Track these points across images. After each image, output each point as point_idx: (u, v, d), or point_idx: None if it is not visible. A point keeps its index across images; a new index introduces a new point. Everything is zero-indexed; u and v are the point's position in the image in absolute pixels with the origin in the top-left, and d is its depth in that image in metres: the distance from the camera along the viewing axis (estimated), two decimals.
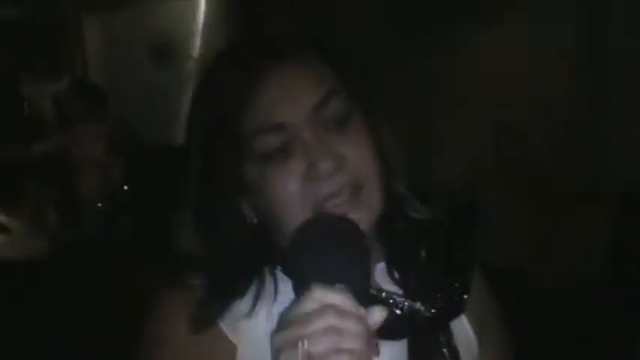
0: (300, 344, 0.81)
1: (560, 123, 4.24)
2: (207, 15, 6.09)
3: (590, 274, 3.72)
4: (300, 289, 0.87)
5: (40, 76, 6.53)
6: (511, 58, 4.65)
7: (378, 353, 0.85)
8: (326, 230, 0.93)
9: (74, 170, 4.33)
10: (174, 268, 1.05)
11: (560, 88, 4.47)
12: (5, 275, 3.51)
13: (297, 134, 0.98)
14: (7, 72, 7.08)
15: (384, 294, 1.02)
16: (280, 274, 1.03)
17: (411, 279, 1.05)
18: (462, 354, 1.07)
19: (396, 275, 1.06)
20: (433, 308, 1.03)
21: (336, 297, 0.83)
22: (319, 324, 0.82)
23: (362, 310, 0.85)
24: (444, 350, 1.05)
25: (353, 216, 0.96)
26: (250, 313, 1.00)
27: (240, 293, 1.01)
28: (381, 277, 1.06)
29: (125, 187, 4.32)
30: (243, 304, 1.00)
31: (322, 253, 0.89)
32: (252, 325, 1.00)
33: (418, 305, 1.02)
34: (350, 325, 0.82)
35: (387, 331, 0.85)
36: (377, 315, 0.86)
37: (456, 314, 1.07)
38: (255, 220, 1.03)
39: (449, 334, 1.06)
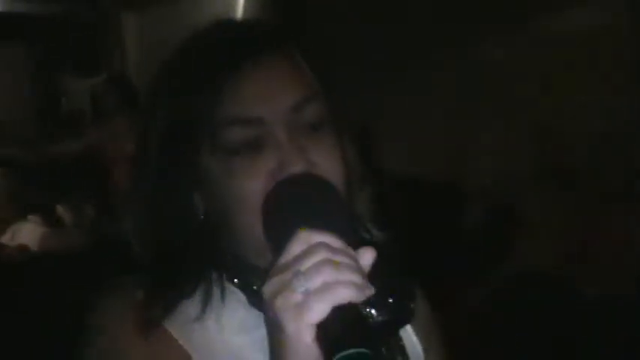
0: (295, 281, 0.76)
1: (599, 126, 4.19)
2: (246, 10, 6.10)
3: (630, 279, 3.66)
4: (283, 243, 0.81)
5: (79, 72, 6.60)
6: (551, 61, 4.60)
7: (373, 290, 0.79)
8: (302, 181, 0.90)
9: (109, 165, 4.36)
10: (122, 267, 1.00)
11: (603, 93, 4.42)
12: (52, 265, 3.52)
13: (271, 131, 0.93)
14: (47, 68, 7.17)
15: None
16: (228, 284, 0.98)
17: None
18: None
19: None
20: (386, 315, 0.99)
21: (323, 236, 0.79)
22: (313, 259, 0.76)
23: (351, 250, 0.81)
24: (399, 358, 1.02)
25: None
26: (199, 317, 0.94)
27: (186, 293, 0.95)
28: None
29: None
30: (191, 308, 0.95)
31: (302, 200, 0.86)
32: (203, 331, 0.95)
33: (372, 312, 0.97)
34: (344, 259, 0.78)
35: (344, 339, 0.76)
36: (367, 254, 0.81)
37: (406, 320, 1.04)
38: (202, 217, 0.97)
39: (400, 341, 1.04)
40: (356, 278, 0.77)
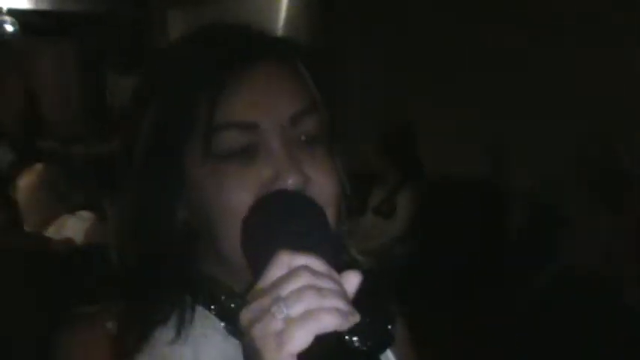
0: (276, 308, 0.69)
1: None
2: (290, 11, 6.11)
3: None
4: (262, 264, 0.74)
5: (125, 69, 6.68)
6: (600, 68, 4.54)
7: (358, 317, 0.72)
8: (286, 198, 0.84)
9: None
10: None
11: None
12: (97, 257, 3.56)
13: (265, 139, 0.87)
14: (94, 65, 7.28)
15: None
16: (204, 310, 0.91)
17: None
18: None
19: None
20: (368, 342, 0.92)
21: (306, 258, 0.72)
22: (295, 284, 0.70)
23: (335, 273, 0.74)
24: None
25: None
26: (174, 349, 0.88)
27: (159, 320, 0.88)
28: None
29: None
30: (165, 338, 0.88)
31: (285, 218, 0.80)
32: None
33: (354, 339, 0.89)
34: (328, 284, 0.71)
35: (314, 358, 0.70)
36: (352, 278, 0.74)
37: (387, 345, 0.98)
38: (184, 229, 0.90)
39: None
40: (340, 305, 0.71)
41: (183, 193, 0.90)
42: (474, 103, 5.11)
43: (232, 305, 0.91)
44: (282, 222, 0.80)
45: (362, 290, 0.77)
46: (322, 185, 0.88)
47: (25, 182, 3.51)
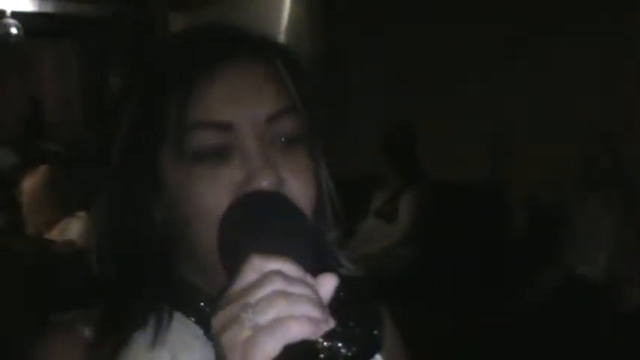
0: (244, 316, 0.67)
1: None
2: (292, 12, 6.11)
3: None
4: (236, 269, 0.73)
5: (126, 71, 6.68)
6: (605, 67, 4.53)
7: (333, 323, 0.70)
8: (262, 199, 0.82)
9: None
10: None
11: None
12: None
13: (240, 139, 0.85)
14: (95, 67, 7.29)
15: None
16: (183, 317, 0.90)
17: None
18: None
19: None
20: (353, 347, 0.91)
21: (279, 263, 0.70)
22: (264, 290, 0.68)
23: (310, 278, 0.72)
24: None
25: None
26: (151, 353, 0.86)
27: (137, 325, 0.86)
28: None
29: None
30: (143, 348, 0.86)
31: (259, 220, 0.78)
32: None
33: (339, 346, 0.90)
34: (299, 290, 0.69)
35: None
36: (328, 282, 0.72)
37: (375, 350, 0.97)
38: (160, 232, 0.89)
39: None
40: (312, 312, 0.68)
41: (158, 194, 0.87)
42: (475, 104, 5.10)
43: (210, 311, 0.87)
44: (256, 224, 0.77)
45: (347, 295, 0.75)
46: (297, 188, 0.86)
47: (29, 184, 3.52)
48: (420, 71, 5.45)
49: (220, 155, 0.85)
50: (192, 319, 0.90)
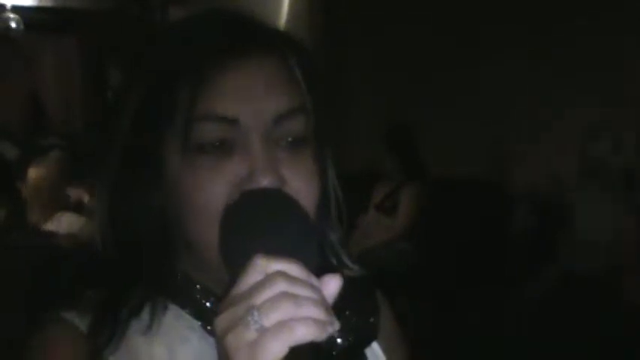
0: (249, 318, 0.67)
1: None
2: (292, 6, 6.10)
3: None
4: (238, 269, 0.72)
5: (124, 64, 6.67)
6: (606, 57, 4.53)
7: (338, 325, 0.69)
8: (266, 197, 0.81)
9: None
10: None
11: None
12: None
13: (245, 136, 0.84)
14: (96, 62, 7.28)
15: None
16: (178, 310, 0.90)
17: None
18: None
19: None
20: (350, 336, 0.92)
21: (283, 264, 0.70)
22: (269, 292, 0.67)
23: (314, 279, 0.71)
24: None
25: None
26: (148, 346, 0.86)
27: (132, 314, 0.86)
28: None
29: None
30: (139, 342, 0.86)
31: (263, 220, 0.77)
32: None
33: (335, 335, 0.88)
34: (304, 292, 0.68)
35: None
36: (332, 283, 0.72)
37: (371, 339, 0.97)
38: (160, 223, 0.88)
39: (365, 358, 0.96)
40: (318, 314, 0.68)
41: (160, 184, 0.87)
42: (476, 102, 5.11)
43: (207, 304, 0.89)
44: (259, 223, 0.77)
45: (343, 288, 0.74)
46: (299, 189, 0.85)
47: (31, 177, 3.52)
48: (421, 69, 5.46)
49: (224, 149, 0.84)
50: (189, 311, 0.90)
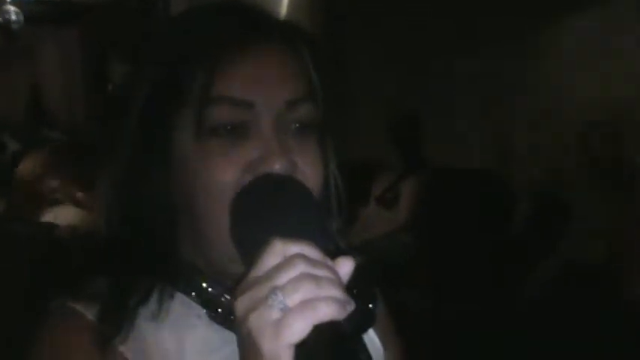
0: (272, 298, 0.69)
1: None
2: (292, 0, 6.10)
3: None
4: (253, 252, 0.74)
5: (127, 58, 6.67)
6: (602, 58, 4.53)
7: (354, 305, 0.72)
8: (281, 183, 0.83)
9: None
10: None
11: None
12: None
13: (259, 120, 0.86)
14: (97, 54, 7.28)
15: None
16: (185, 297, 0.91)
17: None
18: None
19: None
20: (353, 322, 0.95)
21: (301, 247, 0.72)
22: (291, 272, 0.69)
23: (329, 261, 0.74)
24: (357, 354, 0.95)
25: None
26: (155, 334, 0.87)
27: (140, 300, 0.87)
28: None
29: None
30: (147, 330, 0.87)
31: (279, 204, 0.79)
32: (163, 355, 0.87)
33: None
34: (323, 272, 0.71)
35: (312, 348, 0.70)
36: (346, 265, 0.74)
37: (371, 324, 0.97)
38: (169, 205, 0.89)
39: (363, 345, 0.97)
40: (337, 293, 0.70)
41: (170, 167, 0.88)
42: (478, 94, 5.11)
43: (213, 291, 0.91)
44: (275, 208, 0.79)
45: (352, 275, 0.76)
46: (307, 174, 0.88)
47: (26, 168, 3.52)
48: (424, 61, 5.45)
49: (237, 132, 0.86)
50: (195, 299, 0.91)
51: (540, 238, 4.05)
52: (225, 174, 0.85)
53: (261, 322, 0.69)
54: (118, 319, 0.86)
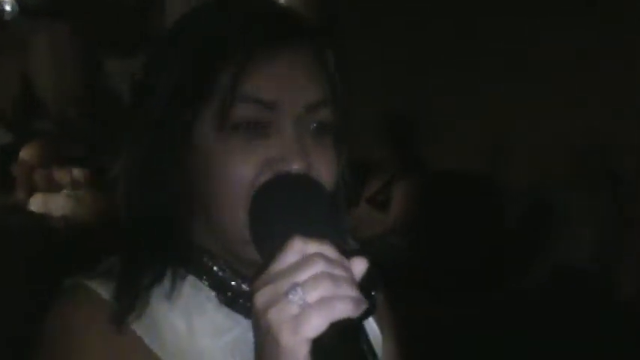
0: (293, 294, 0.72)
1: None
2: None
3: None
4: (272, 249, 0.77)
5: (120, 53, 6.66)
6: (597, 66, 4.57)
7: (367, 304, 0.75)
8: (300, 183, 0.86)
9: None
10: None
11: None
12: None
13: (280, 120, 0.89)
14: (90, 48, 7.26)
15: None
16: (196, 280, 0.93)
17: None
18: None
19: None
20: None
21: (320, 246, 0.75)
22: (311, 270, 0.73)
23: (345, 260, 0.77)
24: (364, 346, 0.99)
25: None
26: (167, 314, 0.90)
27: (154, 279, 0.90)
28: None
29: None
30: (159, 310, 0.90)
31: (299, 204, 0.82)
32: (173, 334, 0.90)
33: None
34: (341, 272, 0.74)
35: (341, 355, 0.74)
36: (360, 265, 0.77)
37: (373, 311, 0.98)
38: (182, 190, 0.91)
39: (365, 332, 1.02)
40: (353, 292, 0.74)
41: (190, 159, 0.90)
42: (474, 98, 5.12)
43: (223, 275, 0.93)
44: (295, 206, 0.82)
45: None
46: (322, 174, 0.90)
47: (20, 160, 3.53)
48: (420, 63, 5.47)
49: (258, 130, 0.89)
50: (205, 282, 0.94)
51: (532, 239, 4.07)
52: (244, 169, 0.87)
53: (281, 316, 0.72)
54: (132, 297, 0.89)
